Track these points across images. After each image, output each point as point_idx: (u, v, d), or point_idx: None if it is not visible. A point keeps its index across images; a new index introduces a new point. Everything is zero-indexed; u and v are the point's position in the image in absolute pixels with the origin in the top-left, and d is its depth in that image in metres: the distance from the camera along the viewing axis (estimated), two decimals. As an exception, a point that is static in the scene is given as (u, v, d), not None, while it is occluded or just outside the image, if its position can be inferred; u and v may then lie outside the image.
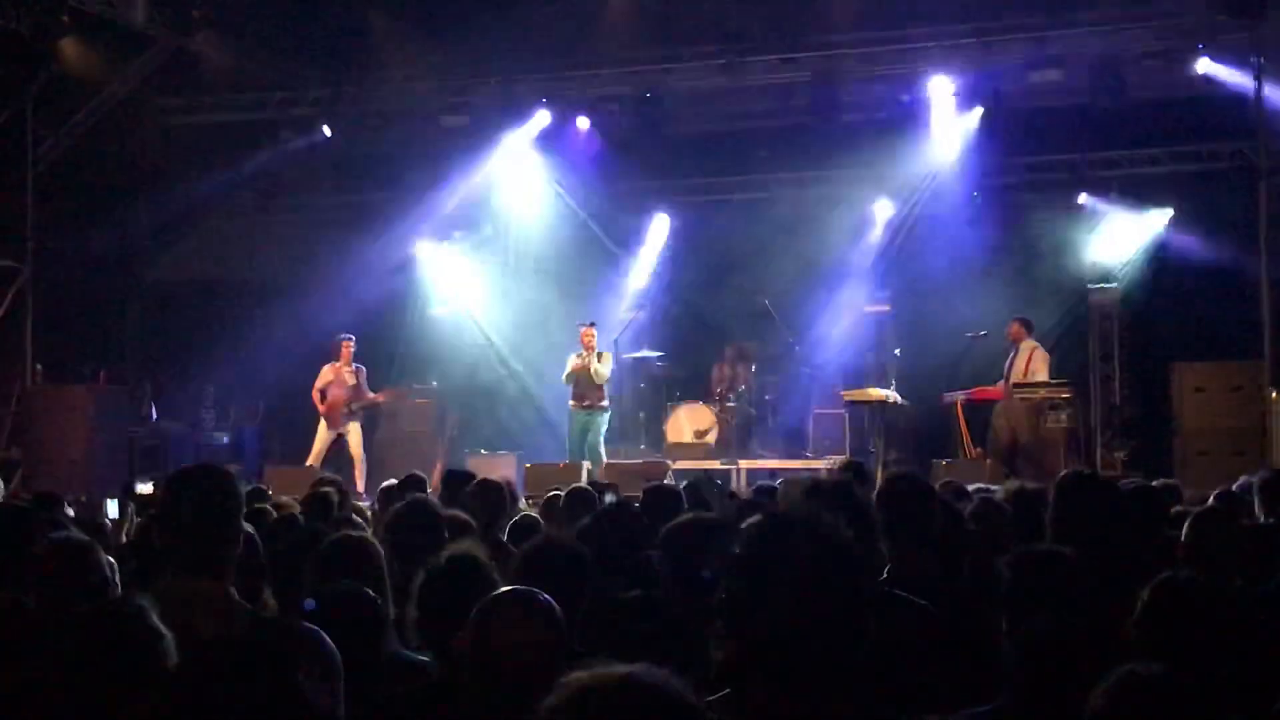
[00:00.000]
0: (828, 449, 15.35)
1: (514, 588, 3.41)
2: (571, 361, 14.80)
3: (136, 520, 7.71)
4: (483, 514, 6.01)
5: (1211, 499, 6.66)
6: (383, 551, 4.39)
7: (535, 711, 1.85)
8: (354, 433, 14.92)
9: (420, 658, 3.85)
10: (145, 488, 11.55)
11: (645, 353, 16.88)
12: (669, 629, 3.95)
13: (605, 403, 14.89)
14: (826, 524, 2.43)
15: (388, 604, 3.98)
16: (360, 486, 13.86)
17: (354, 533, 4.68)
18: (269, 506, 6.62)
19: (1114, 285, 16.26)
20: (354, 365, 15.02)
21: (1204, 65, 14.38)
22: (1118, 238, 16.41)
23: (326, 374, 14.94)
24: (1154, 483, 7.01)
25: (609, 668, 1.87)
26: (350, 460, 14.82)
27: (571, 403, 14.88)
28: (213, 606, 3.36)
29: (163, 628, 2.94)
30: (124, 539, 6.95)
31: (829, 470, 9.96)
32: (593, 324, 15.05)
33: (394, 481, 8.18)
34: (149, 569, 4.05)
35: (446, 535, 5.21)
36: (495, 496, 6.46)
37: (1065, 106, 15.53)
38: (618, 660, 1.91)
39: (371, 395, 15.12)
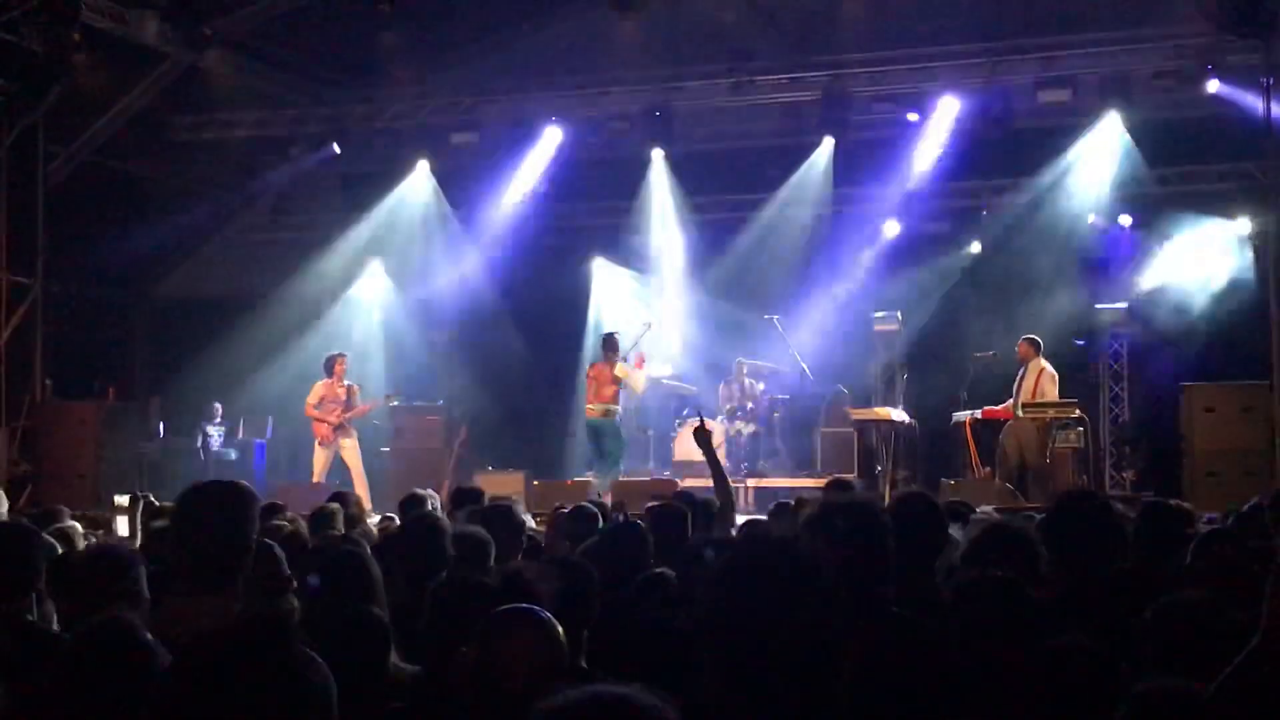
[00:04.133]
0: (836, 468, 15.31)
1: (516, 605, 3.42)
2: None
3: (144, 533, 7.72)
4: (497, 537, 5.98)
5: (1224, 521, 6.64)
6: (377, 568, 4.38)
7: None
8: (349, 449, 14.89)
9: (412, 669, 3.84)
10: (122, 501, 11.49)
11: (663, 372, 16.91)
12: (680, 650, 3.93)
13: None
14: (796, 548, 2.44)
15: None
16: (366, 503, 13.82)
17: (352, 549, 4.67)
18: (283, 523, 6.62)
19: (1123, 305, 16.24)
20: (345, 382, 15.02)
21: (1213, 86, 14.38)
22: (1127, 257, 16.39)
23: (319, 390, 14.92)
24: (1171, 502, 6.95)
25: (604, 686, 1.84)
26: (352, 476, 14.82)
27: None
28: (216, 619, 3.35)
29: (153, 643, 2.94)
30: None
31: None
32: (611, 334, 15.12)
33: (417, 492, 8.14)
34: (158, 583, 4.05)
35: (452, 552, 5.20)
36: (508, 520, 6.41)
37: (1074, 126, 15.55)
38: (623, 680, 1.89)
39: (361, 405, 15.11)
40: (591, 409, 14.63)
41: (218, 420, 17.17)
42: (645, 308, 17.79)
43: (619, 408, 14.71)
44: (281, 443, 17.13)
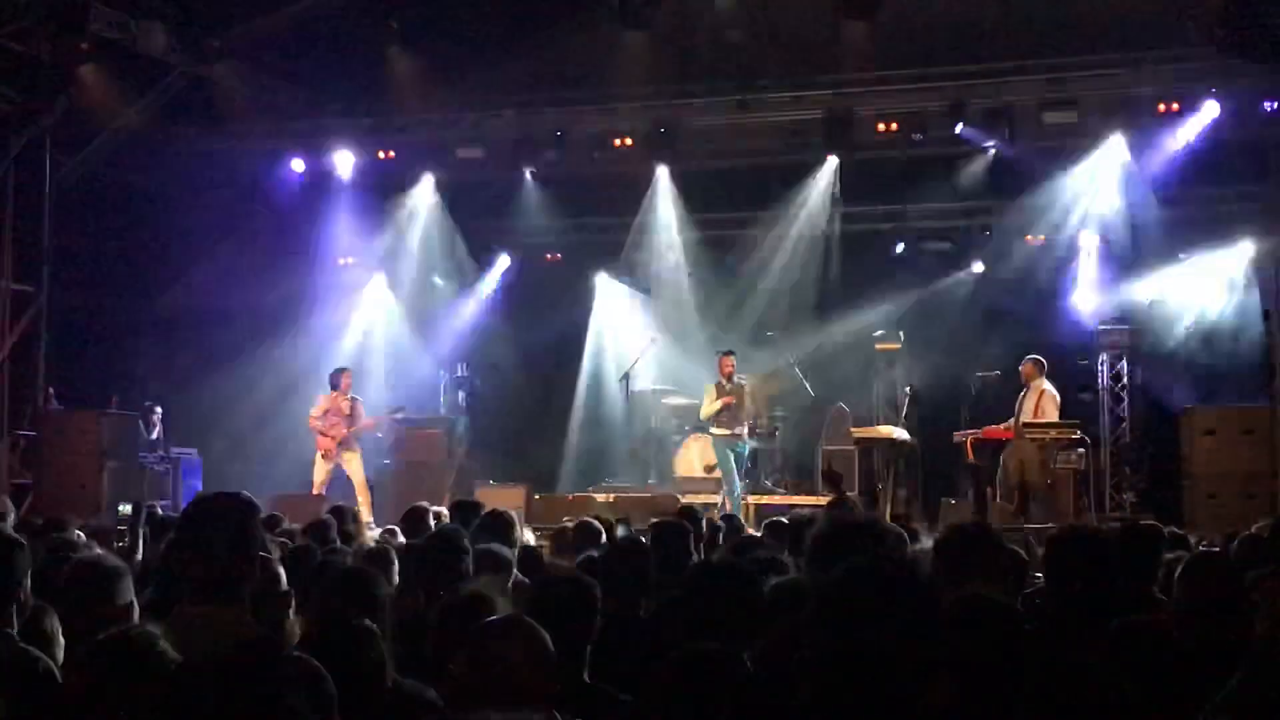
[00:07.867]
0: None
1: (507, 615, 3.43)
2: (711, 395, 14.89)
3: (147, 543, 7.74)
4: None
5: (1218, 545, 6.64)
6: (384, 583, 4.39)
7: None
8: (352, 462, 14.85)
9: (423, 689, 3.84)
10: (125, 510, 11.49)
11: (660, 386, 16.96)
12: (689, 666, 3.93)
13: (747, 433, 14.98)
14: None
15: (386, 635, 3.96)
16: (367, 515, 13.82)
17: (356, 564, 4.68)
18: (284, 538, 6.65)
19: (1126, 327, 16.25)
20: (350, 396, 15.00)
21: (1215, 109, 14.42)
22: (1130, 279, 16.42)
23: (323, 402, 14.90)
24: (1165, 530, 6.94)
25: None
26: (355, 489, 14.80)
27: (720, 431, 14.90)
28: (229, 632, 3.37)
29: (174, 654, 2.95)
30: (136, 562, 6.96)
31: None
32: (731, 352, 15.14)
33: (422, 505, 8.16)
34: (167, 594, 4.06)
35: (471, 568, 5.19)
36: (503, 528, 6.46)
37: (1078, 147, 15.59)
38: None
39: (364, 421, 15.08)
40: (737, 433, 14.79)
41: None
42: (648, 324, 17.81)
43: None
44: (286, 455, 17.13)
